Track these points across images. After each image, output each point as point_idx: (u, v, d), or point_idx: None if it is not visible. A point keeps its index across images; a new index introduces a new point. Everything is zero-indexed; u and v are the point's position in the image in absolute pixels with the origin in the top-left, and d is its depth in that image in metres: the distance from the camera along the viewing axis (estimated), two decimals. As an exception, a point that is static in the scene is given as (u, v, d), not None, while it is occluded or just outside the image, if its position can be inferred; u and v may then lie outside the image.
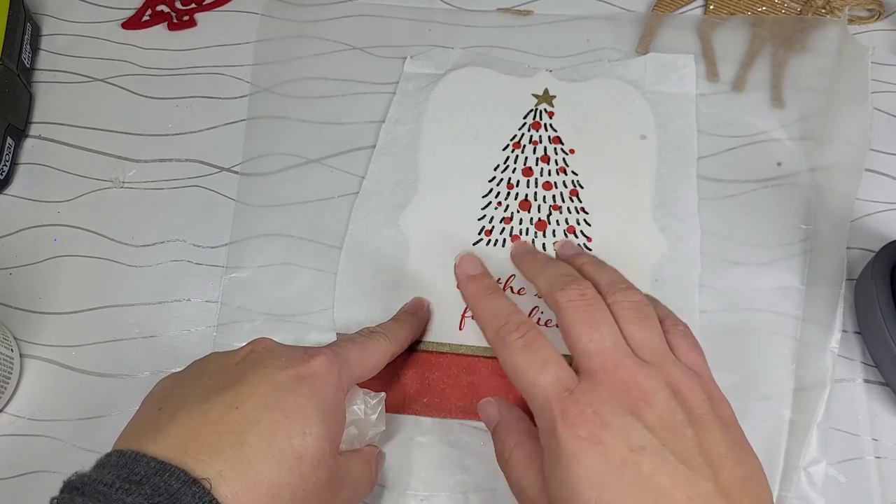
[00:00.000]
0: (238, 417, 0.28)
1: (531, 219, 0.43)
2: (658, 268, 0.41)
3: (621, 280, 0.32)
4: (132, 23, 0.51)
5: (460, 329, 0.40)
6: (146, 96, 0.49)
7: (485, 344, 0.39)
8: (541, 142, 0.45)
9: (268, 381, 0.29)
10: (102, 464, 0.26)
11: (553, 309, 0.31)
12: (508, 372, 0.30)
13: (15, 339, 0.41)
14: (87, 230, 0.44)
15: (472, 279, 0.35)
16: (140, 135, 0.47)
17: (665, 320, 0.31)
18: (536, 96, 0.47)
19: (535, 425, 0.29)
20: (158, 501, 0.24)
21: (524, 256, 0.36)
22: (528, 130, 0.46)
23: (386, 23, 0.50)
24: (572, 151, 0.45)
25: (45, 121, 0.48)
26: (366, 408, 0.34)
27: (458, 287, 0.36)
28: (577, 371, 0.29)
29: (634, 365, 0.28)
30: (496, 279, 0.41)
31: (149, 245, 0.44)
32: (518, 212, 0.43)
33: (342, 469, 0.31)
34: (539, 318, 0.40)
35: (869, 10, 0.48)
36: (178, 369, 0.32)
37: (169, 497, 0.25)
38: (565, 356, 0.30)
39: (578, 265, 0.34)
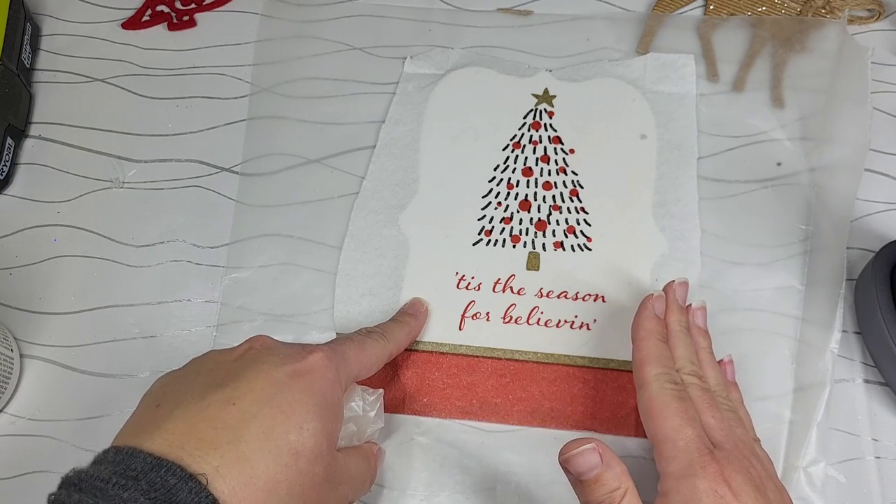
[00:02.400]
0: (235, 413, 0.28)
1: (531, 219, 0.43)
2: (658, 268, 0.41)
3: (723, 381, 0.36)
4: (132, 23, 0.51)
5: (460, 329, 0.40)
6: (146, 96, 0.49)
7: (485, 344, 0.40)
8: (541, 142, 0.45)
9: (265, 378, 0.29)
10: (99, 460, 0.26)
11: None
12: (652, 407, 0.32)
13: (15, 339, 0.41)
14: (87, 230, 0.44)
15: (655, 319, 0.36)
16: (140, 135, 0.47)
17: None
18: (536, 96, 0.47)
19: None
20: (155, 497, 0.24)
21: (672, 311, 0.37)
22: (528, 130, 0.46)
23: (386, 23, 0.50)
24: (572, 151, 0.45)
25: (45, 121, 0.48)
26: (364, 404, 0.34)
27: (636, 315, 0.36)
28: None
29: (748, 448, 0.32)
30: (496, 279, 0.41)
31: (149, 245, 0.44)
32: (518, 212, 0.43)
33: (340, 465, 0.31)
34: (539, 318, 0.40)
35: (869, 10, 0.48)
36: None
37: (165, 492, 0.25)
38: None
39: (697, 347, 0.36)
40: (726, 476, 0.29)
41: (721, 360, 0.37)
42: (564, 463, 0.30)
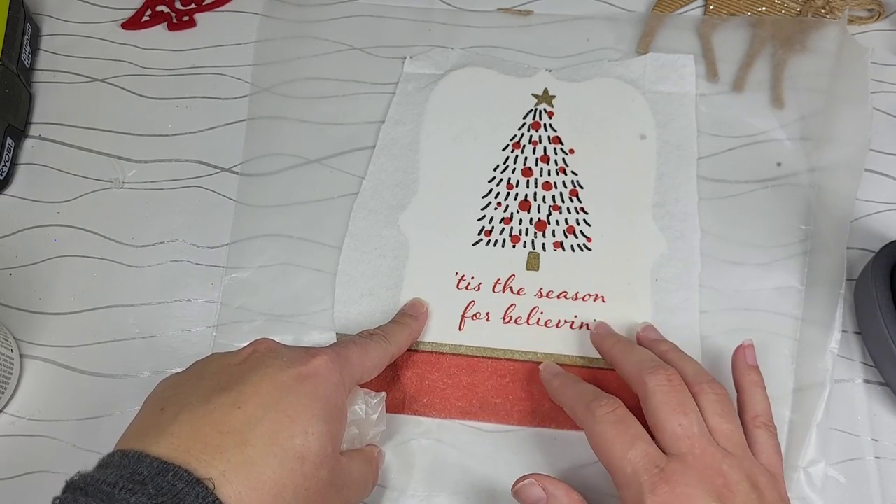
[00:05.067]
0: (241, 417, 0.28)
1: (531, 219, 0.43)
2: (658, 268, 0.41)
3: (705, 372, 0.34)
4: (132, 23, 0.51)
5: (460, 329, 0.40)
6: (146, 96, 0.49)
7: (484, 344, 0.40)
8: (540, 142, 0.45)
9: (270, 381, 0.29)
10: (105, 464, 0.26)
11: (639, 390, 0.33)
12: (596, 443, 0.31)
13: (15, 339, 0.41)
14: (87, 230, 0.44)
15: (558, 375, 0.37)
16: (140, 135, 0.47)
17: (759, 416, 0.33)
18: (536, 96, 0.47)
19: (577, 496, 0.31)
20: (162, 501, 0.24)
21: (607, 339, 0.38)
22: (528, 130, 0.46)
23: (386, 23, 0.50)
24: (572, 151, 0.45)
25: (45, 121, 0.48)
26: (367, 407, 0.34)
27: (547, 387, 0.37)
28: (662, 450, 0.31)
29: (719, 453, 0.30)
30: (496, 279, 0.41)
31: (149, 245, 0.44)
32: (518, 212, 0.43)
33: (344, 468, 0.31)
34: (539, 318, 0.40)
35: (869, 10, 0.48)
36: (179, 370, 0.32)
37: (172, 497, 0.25)
38: None
39: (661, 352, 0.36)
40: (679, 493, 0.28)
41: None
42: (515, 495, 0.31)
